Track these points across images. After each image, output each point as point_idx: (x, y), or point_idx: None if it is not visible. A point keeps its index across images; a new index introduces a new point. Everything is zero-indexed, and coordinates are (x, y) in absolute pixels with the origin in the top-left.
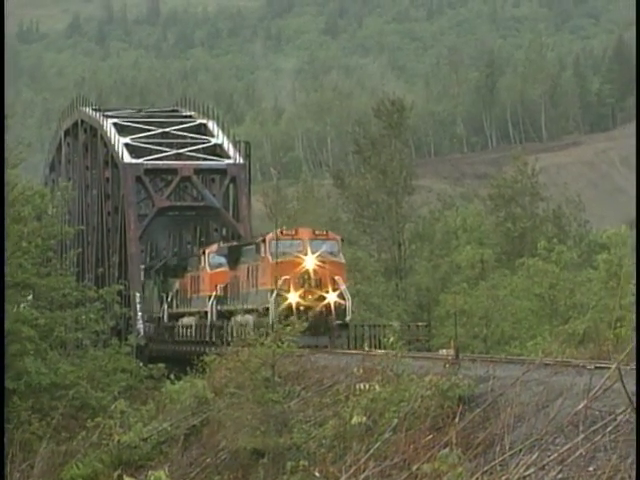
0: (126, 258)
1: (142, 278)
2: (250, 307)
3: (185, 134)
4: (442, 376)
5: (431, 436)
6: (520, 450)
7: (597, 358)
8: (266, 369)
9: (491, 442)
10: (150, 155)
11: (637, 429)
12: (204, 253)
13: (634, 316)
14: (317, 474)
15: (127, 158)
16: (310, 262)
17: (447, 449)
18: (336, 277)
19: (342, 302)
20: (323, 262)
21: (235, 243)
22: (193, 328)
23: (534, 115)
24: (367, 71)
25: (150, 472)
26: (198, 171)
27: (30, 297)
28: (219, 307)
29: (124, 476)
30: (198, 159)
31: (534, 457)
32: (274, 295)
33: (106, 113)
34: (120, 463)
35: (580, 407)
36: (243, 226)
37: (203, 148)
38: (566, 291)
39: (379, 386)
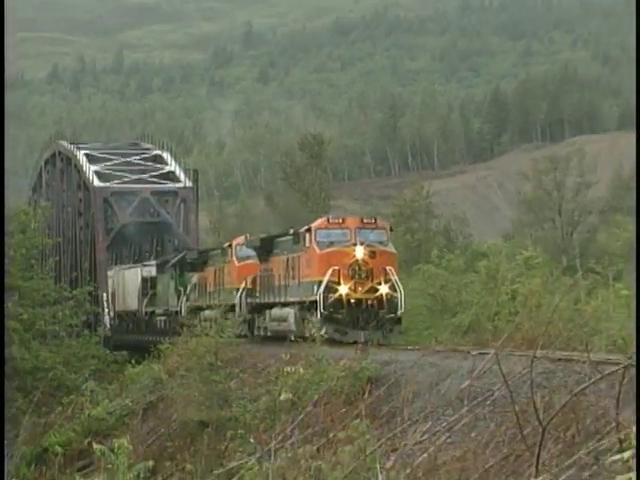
0: (95, 265)
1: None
2: (291, 300)
3: (144, 163)
4: (354, 360)
5: (345, 409)
6: (417, 420)
7: (479, 345)
8: (210, 355)
9: (393, 414)
10: (115, 180)
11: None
12: (230, 246)
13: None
14: (252, 440)
15: (96, 182)
16: (360, 252)
17: (358, 420)
18: (388, 267)
19: (394, 294)
20: (373, 252)
21: (266, 235)
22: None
23: (428, 148)
24: (292, 112)
25: (114, 440)
26: (155, 193)
27: (16, 297)
28: (249, 300)
29: (93, 443)
30: (155, 183)
31: (428, 426)
32: (322, 287)
33: (79, 145)
34: (90, 433)
35: (465, 385)
36: (191, 238)
37: (159, 174)
38: (454, 291)
39: (303, 369)
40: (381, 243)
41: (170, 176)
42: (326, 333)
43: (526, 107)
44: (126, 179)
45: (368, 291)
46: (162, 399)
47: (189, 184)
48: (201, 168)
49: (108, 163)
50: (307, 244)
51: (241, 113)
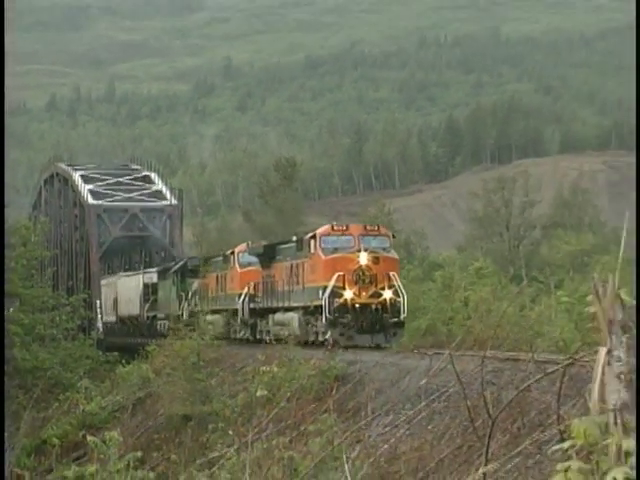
0: (89, 274)
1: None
2: (294, 305)
3: (134, 183)
4: (323, 360)
5: (314, 405)
6: (379, 414)
7: (435, 347)
8: (193, 356)
9: (358, 409)
10: (108, 198)
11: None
12: (233, 253)
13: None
14: (230, 433)
15: (91, 200)
16: (364, 258)
17: (326, 414)
18: (391, 273)
19: (397, 299)
20: (377, 258)
21: (268, 242)
22: (220, 324)
23: (390, 170)
24: (268, 137)
25: (106, 433)
26: (143, 210)
27: (17, 304)
28: (251, 305)
29: (87, 435)
30: (143, 201)
31: (389, 419)
32: (328, 292)
33: (75, 167)
34: (84, 426)
35: (422, 382)
36: (176, 250)
37: (147, 193)
38: (413, 298)
39: (277, 368)
40: (384, 249)
41: (157, 195)
42: (331, 337)
43: (477, 133)
44: (117, 197)
45: (372, 296)
46: (149, 395)
47: (174, 202)
48: (185, 188)
49: (101, 183)
50: (312, 250)
51: (221, 138)
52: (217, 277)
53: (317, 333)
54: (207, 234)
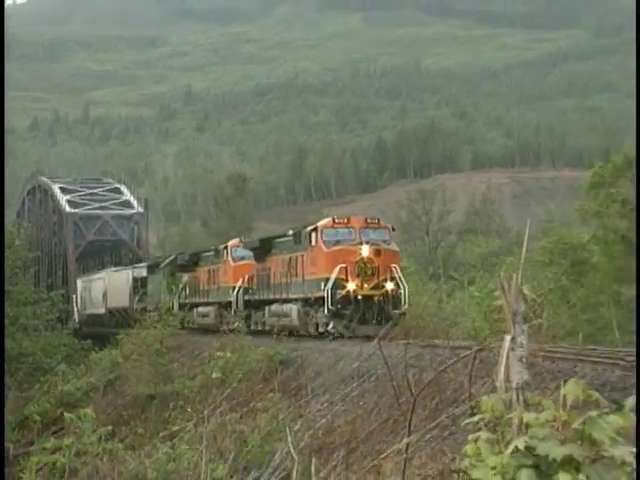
0: (67, 273)
1: (78, 287)
2: (293, 296)
3: (105, 194)
4: (269, 347)
5: (262, 385)
6: (318, 393)
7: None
8: (157, 343)
9: (300, 388)
10: (83, 207)
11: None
12: (226, 248)
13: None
14: (189, 410)
15: (68, 209)
16: (366, 250)
17: (272, 393)
18: (392, 265)
19: (399, 291)
20: (378, 250)
21: (263, 236)
22: (212, 316)
23: (327, 183)
24: (222, 155)
25: (81, 410)
26: (114, 217)
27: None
28: (246, 297)
29: (64, 412)
30: (114, 210)
31: (326, 397)
32: (330, 283)
33: (54, 180)
34: (62, 404)
35: (355, 366)
36: (143, 251)
37: (117, 203)
38: None
39: (230, 354)
40: (385, 242)
41: (126, 204)
42: (334, 328)
43: (402, 152)
44: (91, 206)
45: (374, 287)
46: (119, 378)
47: (141, 210)
48: (150, 198)
49: (77, 194)
50: (313, 243)
51: (182, 156)
52: (209, 271)
53: (317, 324)
54: (169, 238)
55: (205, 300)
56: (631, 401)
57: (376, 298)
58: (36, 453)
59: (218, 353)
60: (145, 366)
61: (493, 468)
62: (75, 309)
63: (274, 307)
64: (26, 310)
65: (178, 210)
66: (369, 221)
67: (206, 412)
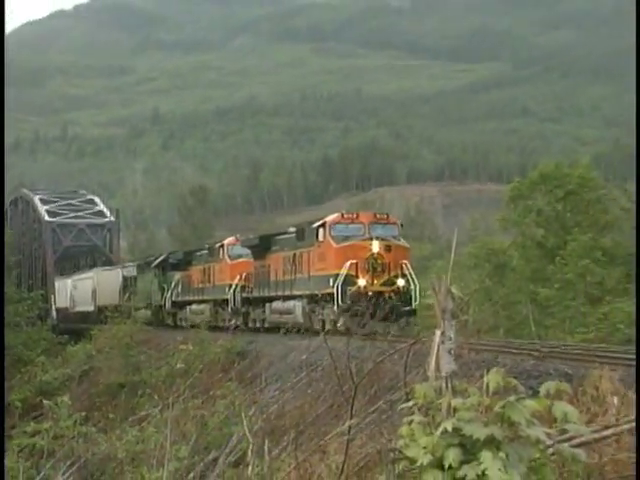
0: (46, 275)
1: (55, 286)
2: (297, 293)
3: (81, 204)
4: (227, 341)
5: (221, 375)
6: (270, 382)
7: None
8: (127, 337)
9: (255, 377)
10: (60, 216)
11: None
12: (222, 246)
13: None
14: (155, 397)
15: (47, 218)
16: (376, 246)
17: (230, 382)
18: (403, 261)
19: (410, 287)
20: (389, 246)
21: (262, 234)
22: (207, 314)
23: (279, 194)
24: (186, 170)
25: (58, 397)
26: (88, 225)
27: None
28: (244, 294)
29: (43, 400)
30: (88, 218)
31: (278, 385)
32: (341, 279)
33: (35, 192)
34: (41, 392)
35: (304, 357)
36: (115, 255)
37: (91, 212)
38: None
39: (192, 346)
40: (394, 237)
41: (99, 214)
42: (343, 325)
43: (345, 167)
44: (68, 215)
45: (385, 284)
46: (92, 369)
47: (112, 219)
48: (121, 208)
49: (55, 204)
50: (321, 239)
51: (149, 170)
52: (203, 269)
53: (323, 321)
54: (138, 244)
55: (199, 298)
56: (544, 387)
57: (387, 295)
58: (17, 436)
59: (182, 346)
60: (116, 358)
61: (425, 447)
62: (53, 307)
63: (276, 304)
64: (9, 308)
65: (146, 219)
66: (378, 216)
67: (170, 399)
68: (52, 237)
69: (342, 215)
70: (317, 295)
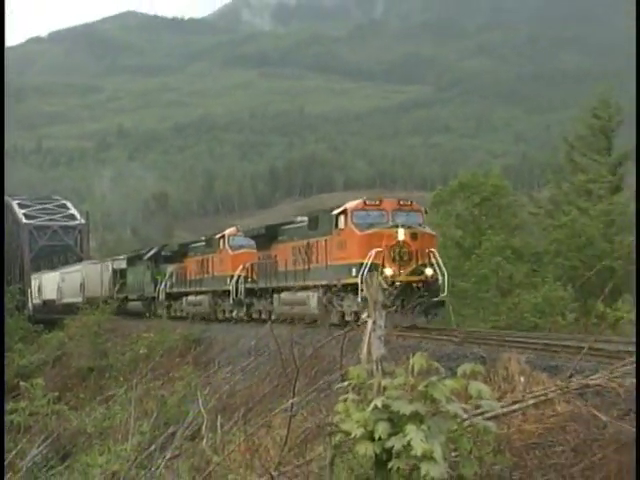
0: (23, 271)
1: (32, 282)
2: (311, 284)
3: (55, 208)
4: (185, 329)
5: (179, 359)
6: (223, 365)
7: (261, 321)
8: (96, 326)
9: (209, 361)
10: (36, 219)
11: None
12: (223, 237)
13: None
14: (121, 379)
15: (24, 220)
16: (402, 234)
17: (187, 365)
18: (430, 249)
19: (438, 277)
20: (415, 234)
21: (271, 224)
22: (206, 305)
23: (231, 200)
24: (149, 179)
25: (34, 379)
26: (61, 227)
27: None
28: (247, 285)
29: (20, 382)
30: (61, 221)
31: (229, 368)
32: (367, 269)
33: (14, 197)
34: (18, 375)
35: (252, 343)
36: (85, 254)
37: (64, 215)
38: None
39: (153, 334)
40: (420, 225)
41: (71, 217)
42: (368, 316)
43: (289, 177)
44: (43, 218)
45: (412, 273)
46: (65, 354)
47: (83, 221)
48: (91, 211)
49: (32, 208)
50: (341, 226)
51: (116, 179)
52: (201, 260)
53: (342, 313)
54: (106, 244)
55: (196, 289)
56: (461, 369)
57: (415, 285)
58: None
59: (144, 334)
60: (86, 344)
61: (358, 422)
62: (30, 299)
63: (285, 295)
64: None
65: (113, 221)
66: (402, 203)
67: (134, 381)
68: (29, 237)
69: (364, 202)
70: (336, 285)
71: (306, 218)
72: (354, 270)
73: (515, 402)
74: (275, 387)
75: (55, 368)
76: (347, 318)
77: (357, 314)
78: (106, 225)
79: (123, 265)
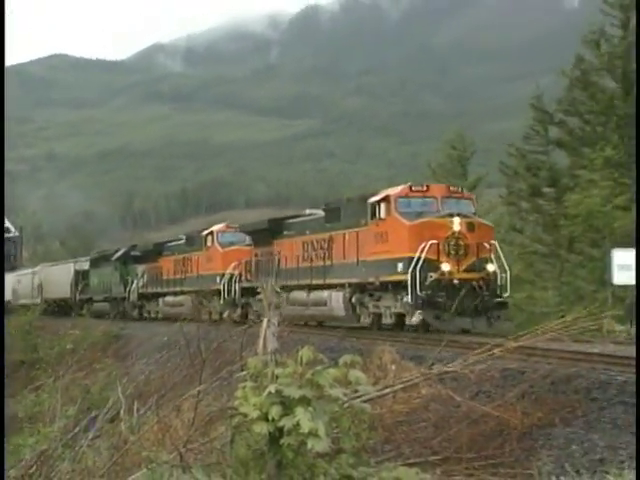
0: None
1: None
2: (333, 282)
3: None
4: (106, 326)
5: (101, 353)
6: (139, 358)
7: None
8: (27, 325)
9: (127, 355)
10: None
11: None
12: (211, 233)
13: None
14: (49, 370)
15: None
16: (458, 224)
17: (108, 358)
18: (490, 242)
19: (500, 274)
20: (472, 224)
21: (274, 217)
22: (188, 305)
23: (148, 216)
24: (75, 198)
25: None
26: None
27: None
28: (245, 284)
29: None
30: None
31: (144, 360)
32: (419, 264)
33: None
34: None
35: (165, 339)
36: (18, 263)
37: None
38: None
39: (78, 331)
40: (474, 215)
41: (6, 230)
42: (423, 319)
43: (198, 196)
44: None
45: (471, 270)
46: None
47: (17, 234)
48: (24, 225)
49: None
50: (382, 215)
51: (47, 197)
52: (182, 259)
53: (378, 314)
54: (36, 254)
55: (175, 289)
56: (343, 359)
57: (475, 283)
58: None
59: (70, 331)
60: (18, 340)
61: (254, 405)
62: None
63: (295, 294)
64: None
65: (43, 234)
66: (452, 189)
67: (61, 372)
68: None
69: (410, 187)
70: (372, 284)
71: (319, 211)
72: (400, 266)
73: (387, 387)
74: (184, 377)
75: None
76: (386, 320)
77: (401, 316)
78: (37, 237)
79: (86, 267)
